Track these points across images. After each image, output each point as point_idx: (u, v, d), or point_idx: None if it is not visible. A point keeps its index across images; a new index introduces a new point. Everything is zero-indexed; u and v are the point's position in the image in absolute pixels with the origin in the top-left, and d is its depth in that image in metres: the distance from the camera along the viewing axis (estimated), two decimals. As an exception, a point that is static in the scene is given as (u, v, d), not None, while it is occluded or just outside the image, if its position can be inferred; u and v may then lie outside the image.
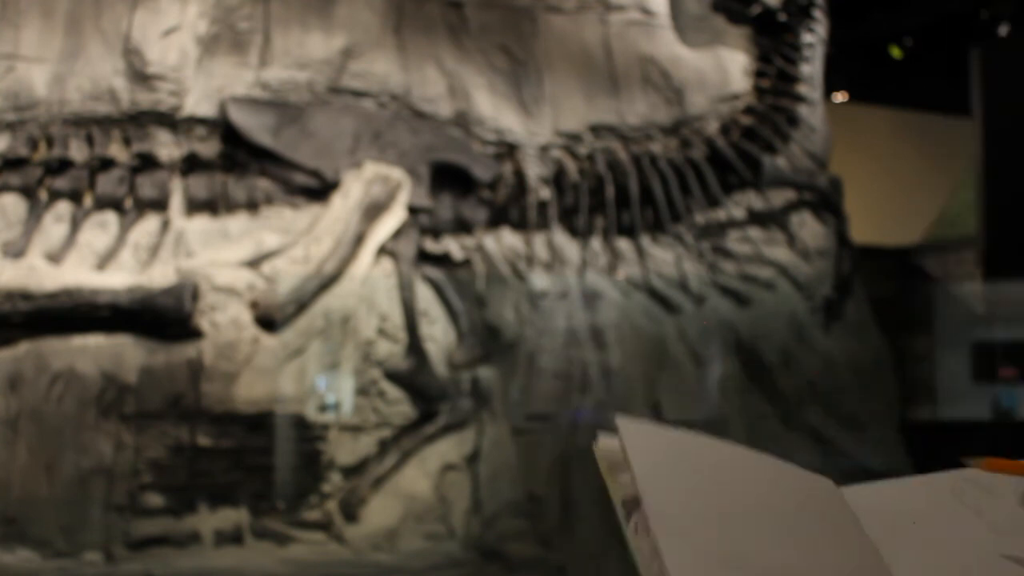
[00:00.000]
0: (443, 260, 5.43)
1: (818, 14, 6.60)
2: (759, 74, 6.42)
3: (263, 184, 5.25)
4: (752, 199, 6.14)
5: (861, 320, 6.42)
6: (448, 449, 5.23)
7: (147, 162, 5.12)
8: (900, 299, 8.50)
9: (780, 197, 6.23)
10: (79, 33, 5.25)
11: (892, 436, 6.18)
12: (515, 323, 5.43)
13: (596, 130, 5.93)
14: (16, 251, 4.86)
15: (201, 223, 5.14)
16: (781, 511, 0.69)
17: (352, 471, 5.07)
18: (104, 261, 4.94)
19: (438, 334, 5.34)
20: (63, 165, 5.01)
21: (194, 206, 5.15)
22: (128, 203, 5.09)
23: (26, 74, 5.12)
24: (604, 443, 0.72)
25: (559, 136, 5.85)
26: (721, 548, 0.63)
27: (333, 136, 5.34)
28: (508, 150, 5.72)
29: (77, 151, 5.05)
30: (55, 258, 4.89)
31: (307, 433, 5.03)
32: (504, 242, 5.56)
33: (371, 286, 5.21)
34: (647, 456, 0.67)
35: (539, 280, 5.53)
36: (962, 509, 0.73)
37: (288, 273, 5.01)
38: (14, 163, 4.98)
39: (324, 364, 5.14)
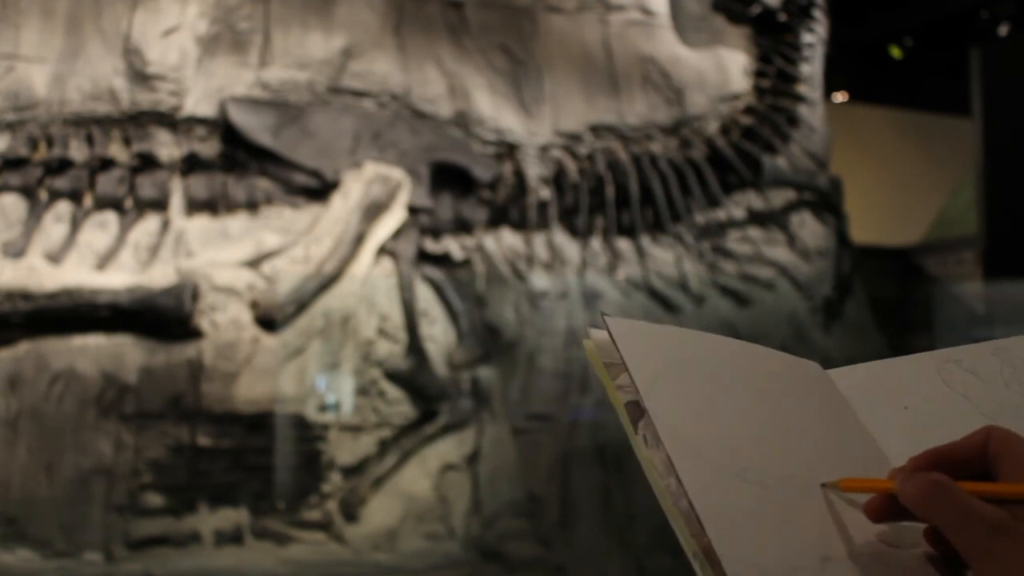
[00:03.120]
0: (443, 260, 5.44)
1: (818, 14, 6.60)
2: (759, 74, 6.42)
3: (263, 184, 5.25)
4: (752, 199, 6.14)
5: (861, 320, 6.43)
6: (448, 449, 5.23)
7: (147, 162, 5.12)
8: (900, 299, 8.50)
9: (780, 197, 6.24)
10: (79, 33, 5.25)
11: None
12: (515, 323, 5.43)
13: (596, 130, 5.93)
14: (16, 251, 4.86)
15: (201, 223, 5.14)
16: (778, 401, 0.68)
17: (352, 471, 5.07)
18: (104, 261, 4.94)
19: (438, 334, 5.34)
20: (63, 165, 5.01)
21: (194, 206, 5.15)
22: (128, 203, 5.09)
23: (26, 74, 5.12)
24: (597, 337, 0.68)
25: (559, 136, 5.85)
26: (732, 457, 0.62)
27: (333, 136, 5.34)
28: (508, 150, 5.72)
29: (77, 151, 5.05)
30: (55, 258, 4.89)
31: (307, 433, 5.03)
32: (504, 242, 5.56)
33: (371, 286, 5.21)
34: (643, 359, 0.65)
35: (539, 280, 5.53)
36: (949, 392, 0.72)
37: (288, 273, 5.01)
38: (14, 163, 4.98)
39: (324, 364, 5.14)
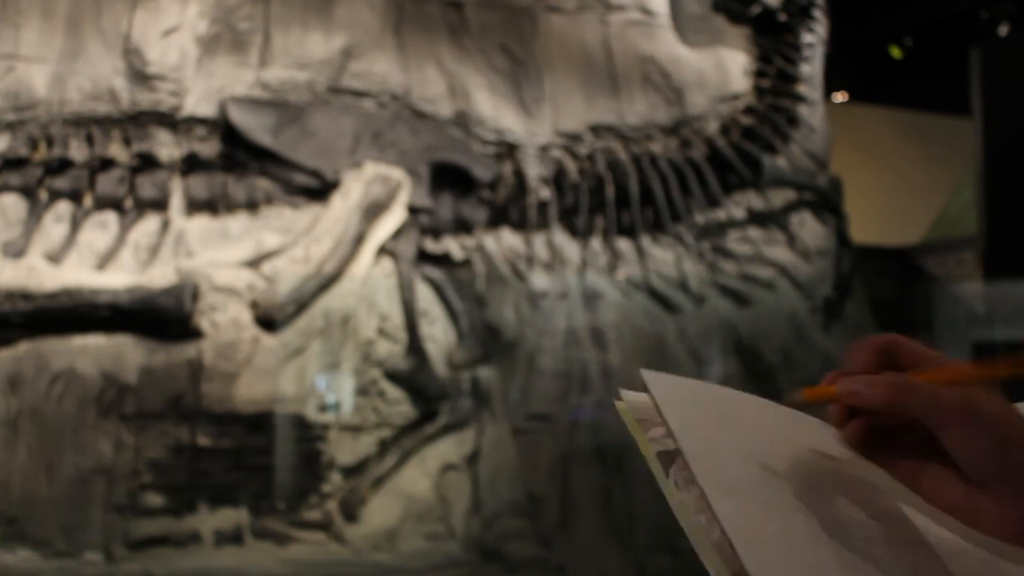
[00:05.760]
0: (443, 260, 5.43)
1: (818, 14, 6.60)
2: (759, 74, 6.42)
3: (263, 184, 5.25)
4: (752, 199, 6.14)
5: (861, 320, 6.43)
6: (448, 449, 5.23)
7: (147, 162, 5.12)
8: (900, 299, 8.50)
9: (780, 197, 6.24)
10: (79, 33, 5.25)
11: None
12: (515, 323, 5.43)
13: (596, 130, 5.93)
14: (16, 251, 4.86)
15: (201, 223, 5.14)
16: (798, 445, 0.75)
17: (352, 471, 5.07)
18: (104, 261, 4.94)
19: (438, 334, 5.34)
20: (63, 165, 5.01)
21: (194, 206, 5.15)
22: (128, 203, 5.09)
23: (26, 74, 5.12)
24: (628, 398, 0.75)
25: (559, 136, 5.85)
26: (760, 493, 0.68)
27: (333, 136, 5.34)
28: (508, 150, 5.72)
29: (77, 151, 5.05)
30: (55, 258, 4.89)
31: (307, 433, 5.03)
32: (504, 242, 5.56)
33: (371, 286, 5.21)
34: (676, 407, 0.72)
35: (539, 280, 5.53)
36: None
37: (288, 273, 5.01)
38: (14, 163, 4.98)
39: (324, 364, 5.14)
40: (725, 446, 0.70)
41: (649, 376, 0.74)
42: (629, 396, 0.75)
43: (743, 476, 0.68)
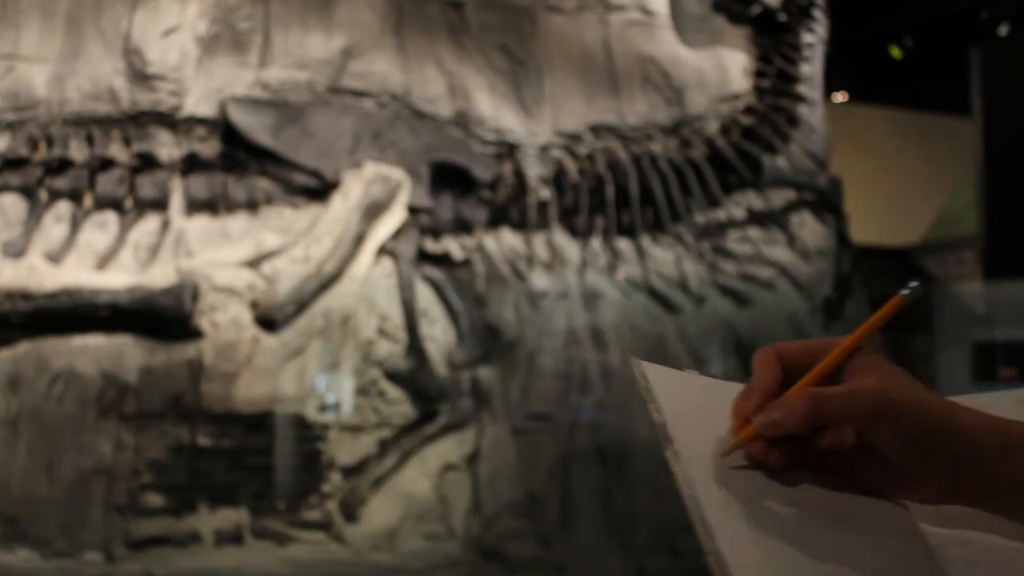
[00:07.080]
0: (443, 260, 5.43)
1: (818, 14, 6.60)
2: (759, 74, 6.42)
3: (263, 184, 5.25)
4: (752, 199, 6.14)
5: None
6: (448, 449, 5.23)
7: (147, 162, 5.11)
8: (900, 299, 8.48)
9: (780, 197, 6.23)
10: (79, 33, 5.25)
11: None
12: (515, 323, 5.42)
13: (596, 130, 5.93)
14: (16, 251, 4.86)
15: (201, 223, 5.13)
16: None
17: (352, 471, 5.07)
18: (104, 261, 4.94)
19: (438, 334, 5.34)
20: (63, 165, 5.01)
21: (194, 206, 5.15)
22: (128, 203, 5.09)
23: (26, 74, 5.12)
24: (645, 366, 0.78)
25: (559, 136, 5.85)
26: (744, 488, 0.71)
27: (333, 136, 5.33)
28: (508, 150, 5.72)
29: (77, 151, 5.05)
30: (55, 258, 4.89)
31: (307, 433, 5.03)
32: (504, 242, 5.56)
33: (371, 286, 5.21)
34: (670, 397, 0.75)
35: (539, 280, 5.53)
36: None
37: (288, 273, 5.01)
38: (14, 163, 4.98)
39: (324, 364, 5.14)
40: (704, 432, 0.72)
41: (647, 366, 0.76)
42: (645, 364, 0.78)
43: (725, 467, 0.70)
